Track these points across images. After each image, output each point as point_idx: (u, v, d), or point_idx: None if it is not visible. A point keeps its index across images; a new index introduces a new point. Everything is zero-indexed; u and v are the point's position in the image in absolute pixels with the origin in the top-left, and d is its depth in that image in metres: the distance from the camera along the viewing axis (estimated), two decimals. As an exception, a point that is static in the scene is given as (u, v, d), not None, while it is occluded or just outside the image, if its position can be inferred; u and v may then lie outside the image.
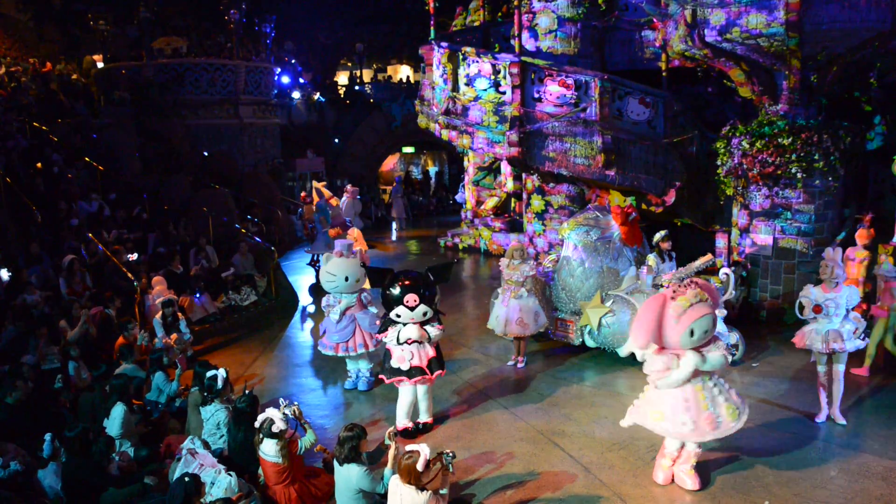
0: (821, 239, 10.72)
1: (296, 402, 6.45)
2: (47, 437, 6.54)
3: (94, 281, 11.07)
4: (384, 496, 5.70)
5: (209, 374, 7.12)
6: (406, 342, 7.33)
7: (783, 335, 10.29)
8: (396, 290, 7.22)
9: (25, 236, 11.75)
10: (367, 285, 10.83)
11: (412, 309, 7.20)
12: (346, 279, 8.68)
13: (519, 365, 9.55)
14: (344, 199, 16.78)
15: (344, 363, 9.21)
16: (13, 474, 6.07)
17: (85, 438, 6.15)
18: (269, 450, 6.14)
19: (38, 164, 14.53)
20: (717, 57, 10.58)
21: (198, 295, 11.56)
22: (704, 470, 6.46)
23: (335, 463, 5.94)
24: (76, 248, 11.67)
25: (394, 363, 7.40)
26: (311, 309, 12.87)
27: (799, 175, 10.37)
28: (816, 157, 10.26)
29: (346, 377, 9.17)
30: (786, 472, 6.52)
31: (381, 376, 7.68)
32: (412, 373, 7.38)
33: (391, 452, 5.92)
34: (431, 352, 7.49)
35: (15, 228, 11.90)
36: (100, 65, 23.18)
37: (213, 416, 7.03)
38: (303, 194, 20.02)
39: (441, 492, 5.37)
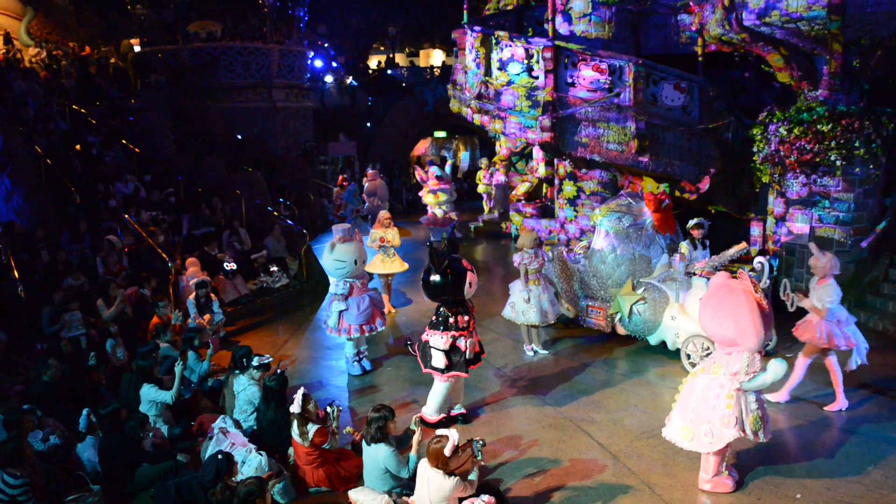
0: (860, 228, 10.48)
1: (339, 406, 6.56)
2: (84, 412, 6.73)
3: (130, 261, 11.28)
4: (411, 479, 5.76)
5: (256, 359, 7.25)
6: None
7: (819, 326, 10.13)
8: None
9: (64, 217, 12.00)
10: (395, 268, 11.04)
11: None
12: (356, 262, 8.70)
13: (537, 352, 9.56)
14: (368, 185, 17.31)
15: (370, 345, 9.38)
16: (53, 448, 6.28)
17: (117, 416, 6.30)
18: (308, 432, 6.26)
19: (77, 147, 14.80)
20: (755, 41, 10.34)
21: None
22: (736, 461, 6.39)
23: (363, 443, 6.01)
24: (113, 228, 11.89)
25: (467, 355, 7.19)
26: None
27: (838, 163, 10.13)
28: (857, 144, 10.01)
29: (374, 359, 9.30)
30: (819, 465, 6.43)
31: (455, 373, 7.19)
32: (475, 359, 7.38)
33: (416, 438, 5.98)
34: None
35: (55, 209, 12.17)
36: (137, 49, 23.48)
37: (245, 391, 7.14)
38: (340, 177, 20.20)
39: (469, 477, 5.40)
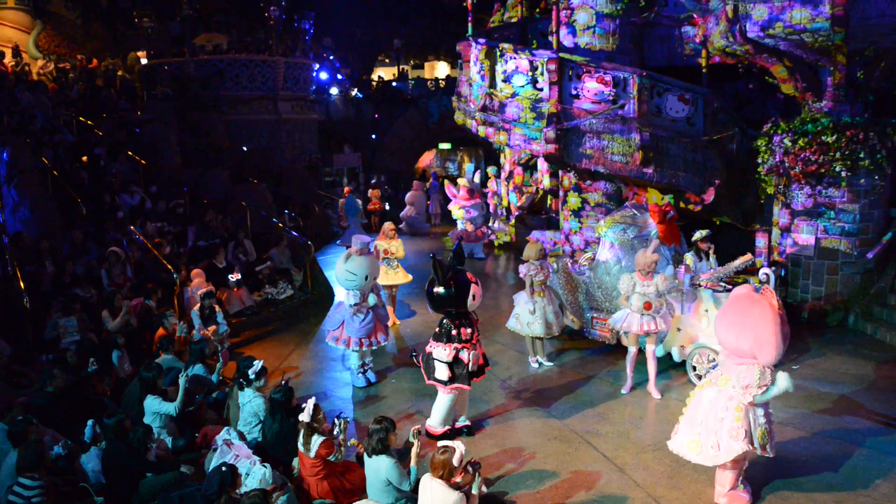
0: (866, 239, 10.46)
1: (346, 418, 6.53)
2: (88, 423, 6.72)
3: (136, 272, 11.31)
4: (414, 492, 5.73)
5: (254, 364, 7.23)
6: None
7: (825, 337, 10.10)
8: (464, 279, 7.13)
9: (71, 228, 12.05)
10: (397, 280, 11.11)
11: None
12: (367, 278, 8.69)
13: (542, 364, 9.52)
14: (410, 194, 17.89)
15: (374, 356, 9.39)
16: (56, 458, 6.26)
17: (122, 427, 6.29)
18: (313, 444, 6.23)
19: (84, 158, 14.88)
20: (758, 53, 10.36)
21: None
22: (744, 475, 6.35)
23: (365, 455, 5.99)
24: (119, 240, 11.93)
25: (470, 367, 7.16)
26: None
27: (843, 174, 10.11)
28: (862, 155, 10.01)
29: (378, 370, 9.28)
30: (826, 479, 6.38)
31: (457, 385, 7.22)
32: (479, 371, 7.36)
33: (414, 450, 5.96)
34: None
35: (61, 221, 12.22)
36: (144, 61, 23.66)
37: (250, 403, 7.12)
38: (346, 189, 20.30)
39: (473, 491, 5.37)
